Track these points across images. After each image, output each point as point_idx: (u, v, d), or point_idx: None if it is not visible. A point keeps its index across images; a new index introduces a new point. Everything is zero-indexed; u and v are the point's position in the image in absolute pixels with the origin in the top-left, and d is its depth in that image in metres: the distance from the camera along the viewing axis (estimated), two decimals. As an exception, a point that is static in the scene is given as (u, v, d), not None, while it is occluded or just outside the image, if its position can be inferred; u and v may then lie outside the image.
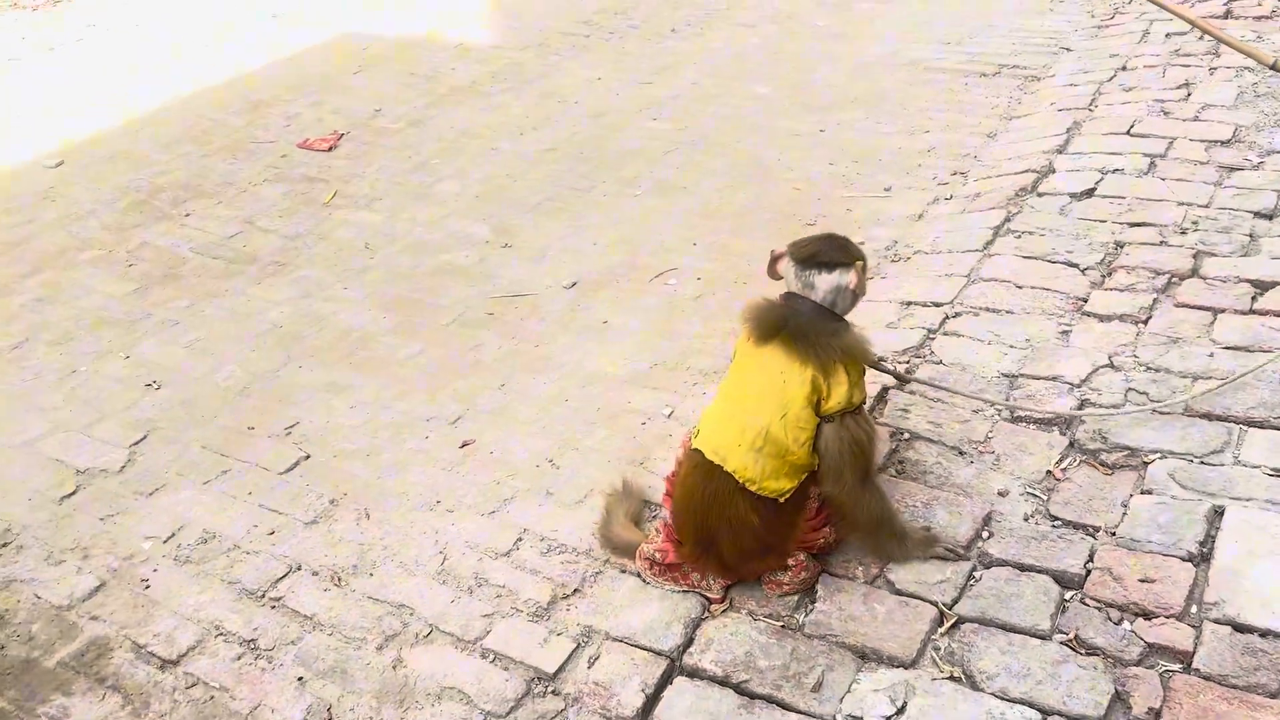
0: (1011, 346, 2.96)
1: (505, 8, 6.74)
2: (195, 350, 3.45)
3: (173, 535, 2.68)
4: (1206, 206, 3.48)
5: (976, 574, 2.25)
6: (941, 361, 2.95)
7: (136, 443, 3.03)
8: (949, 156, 4.31)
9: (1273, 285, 3.00)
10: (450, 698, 2.18)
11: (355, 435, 2.99)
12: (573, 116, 5.04)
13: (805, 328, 2.18)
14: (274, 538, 2.64)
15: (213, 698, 2.22)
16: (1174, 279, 3.13)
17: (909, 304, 3.27)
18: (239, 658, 2.31)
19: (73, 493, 2.85)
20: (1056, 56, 5.15)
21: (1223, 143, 3.85)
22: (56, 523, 2.74)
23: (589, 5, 6.66)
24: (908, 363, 2.97)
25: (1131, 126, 4.10)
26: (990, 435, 2.65)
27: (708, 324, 3.35)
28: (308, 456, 2.92)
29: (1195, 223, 3.41)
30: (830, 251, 2.24)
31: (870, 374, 2.38)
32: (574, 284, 3.64)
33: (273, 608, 2.44)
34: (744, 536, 2.21)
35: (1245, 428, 2.50)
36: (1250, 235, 3.28)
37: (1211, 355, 2.77)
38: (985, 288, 3.25)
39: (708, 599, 2.30)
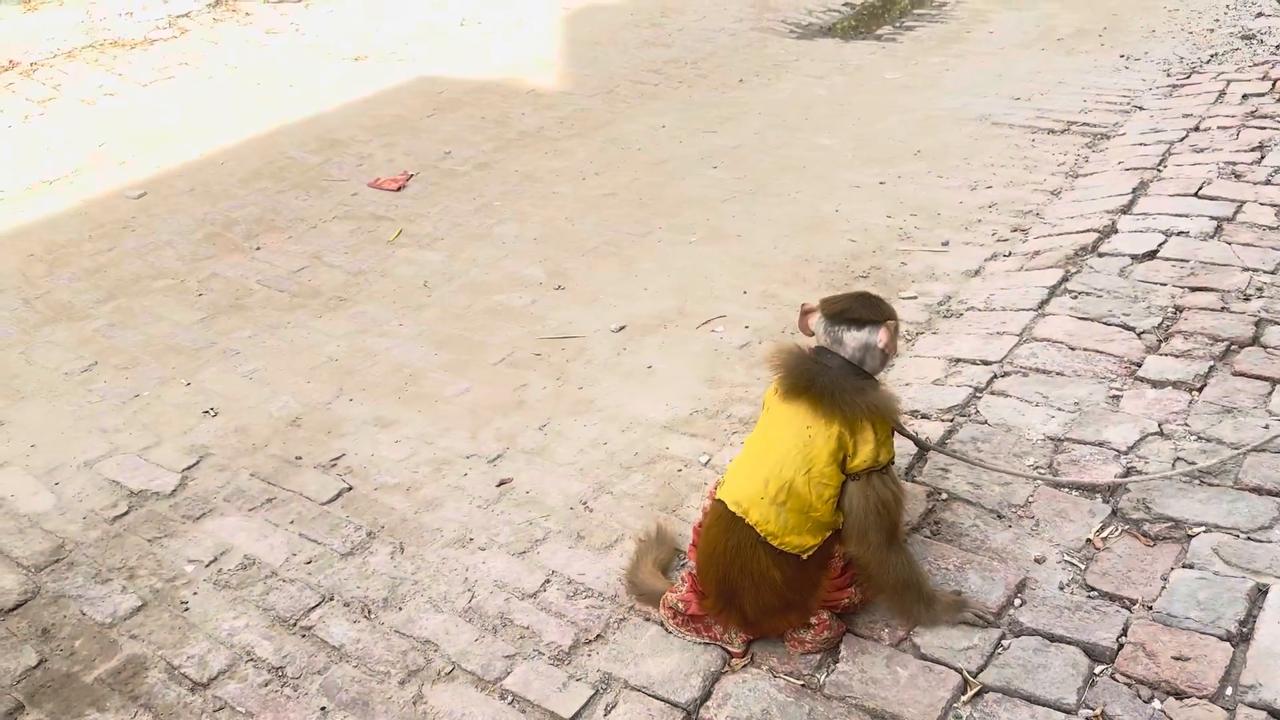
0: (1059, 409, 2.89)
1: (579, 56, 6.89)
2: (254, 380, 3.56)
3: (215, 560, 2.76)
4: (1273, 273, 3.38)
5: (1005, 642, 2.20)
6: (986, 421, 2.90)
7: (189, 468, 3.13)
8: (1010, 213, 4.25)
9: (1336, 358, 2.89)
10: (465, 736, 2.19)
11: (397, 469, 3.05)
12: (635, 163, 5.11)
13: (833, 384, 2.18)
14: (310, 567, 2.70)
15: (236, 722, 2.28)
16: (1233, 346, 3.04)
17: (958, 361, 3.22)
18: (266, 684, 2.36)
19: (125, 513, 2.95)
20: (1128, 115, 5.07)
21: (1295, 207, 3.75)
22: (107, 542, 2.85)
23: (660, 55, 6.77)
24: (951, 420, 2.93)
25: (1200, 188, 4.01)
26: (1031, 500, 2.59)
27: (751, 372, 3.35)
28: (350, 488, 2.99)
29: (1260, 289, 3.31)
30: (860, 309, 2.23)
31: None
32: (622, 328, 3.68)
33: (303, 636, 2.49)
34: (765, 592, 2.19)
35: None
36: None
37: (1267, 426, 2.68)
38: (1037, 348, 3.20)
39: (729, 652, 2.29)
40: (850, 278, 3.84)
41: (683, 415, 3.18)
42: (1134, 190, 4.13)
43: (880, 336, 2.20)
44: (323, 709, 2.29)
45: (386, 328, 3.83)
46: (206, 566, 2.73)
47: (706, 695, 2.20)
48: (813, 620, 2.23)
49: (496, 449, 3.10)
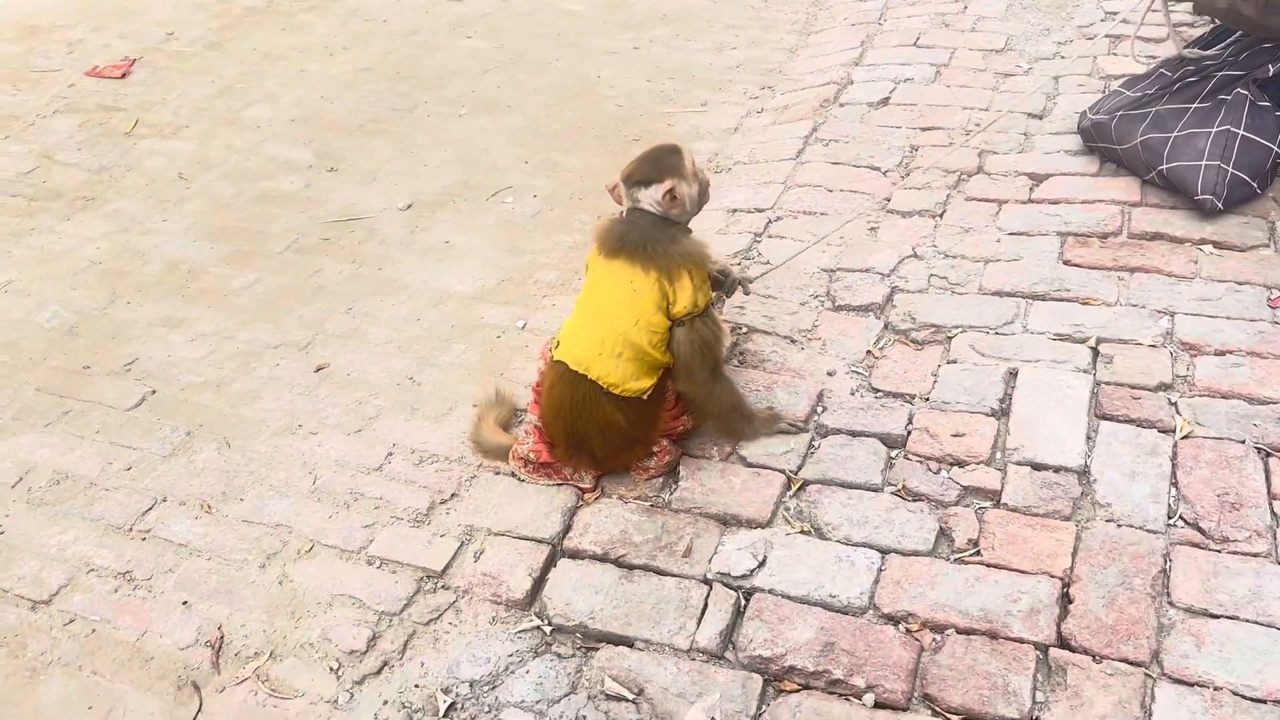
0: (829, 245, 3.24)
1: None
2: (11, 293, 3.26)
3: (20, 480, 2.59)
4: (986, 110, 3.87)
5: (815, 443, 2.53)
6: (769, 262, 3.20)
7: (-39, 391, 2.87)
8: (757, 72, 4.54)
9: (1046, 177, 3.40)
10: (342, 604, 2.26)
11: (200, 367, 2.95)
12: (383, 35, 4.94)
13: (644, 238, 2.37)
14: (132, 473, 2.60)
15: (94, 630, 2.22)
16: (963, 176, 3.49)
17: (735, 211, 3.49)
18: (116, 590, 2.30)
19: (-105, 447, 2.69)
20: (847, -27, 5.47)
21: (997, 51, 4.27)
22: (-117, 479, 2.59)
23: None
24: (739, 263, 3.20)
25: (918, 39, 4.46)
26: (816, 323, 2.92)
27: (549, 239, 3.46)
28: (153, 391, 2.86)
29: (978, 124, 3.79)
30: (645, 169, 2.42)
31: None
32: (409, 205, 3.66)
33: (143, 540, 2.42)
34: (612, 435, 2.40)
35: (1030, 301, 2.88)
36: (1025, 134, 3.69)
37: (999, 241, 3.15)
38: (801, 193, 3.52)
39: (581, 489, 2.48)
40: (624, 142, 4.00)
41: (490, 285, 3.26)
42: (861, 44, 4.52)
43: (661, 189, 2.37)
44: (185, 603, 2.27)
45: (149, 224, 3.59)
46: (13, 488, 2.57)
47: (568, 528, 2.39)
48: (654, 449, 2.46)
49: (304, 337, 3.06)
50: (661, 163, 2.44)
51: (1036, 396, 2.54)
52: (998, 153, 3.59)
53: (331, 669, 2.13)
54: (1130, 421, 2.44)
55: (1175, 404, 2.46)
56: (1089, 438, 2.41)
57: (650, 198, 2.40)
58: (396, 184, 3.78)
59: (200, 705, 2.08)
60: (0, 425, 2.75)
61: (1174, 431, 2.39)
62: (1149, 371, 2.55)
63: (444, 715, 2.03)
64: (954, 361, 2.72)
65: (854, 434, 2.53)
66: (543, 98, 4.35)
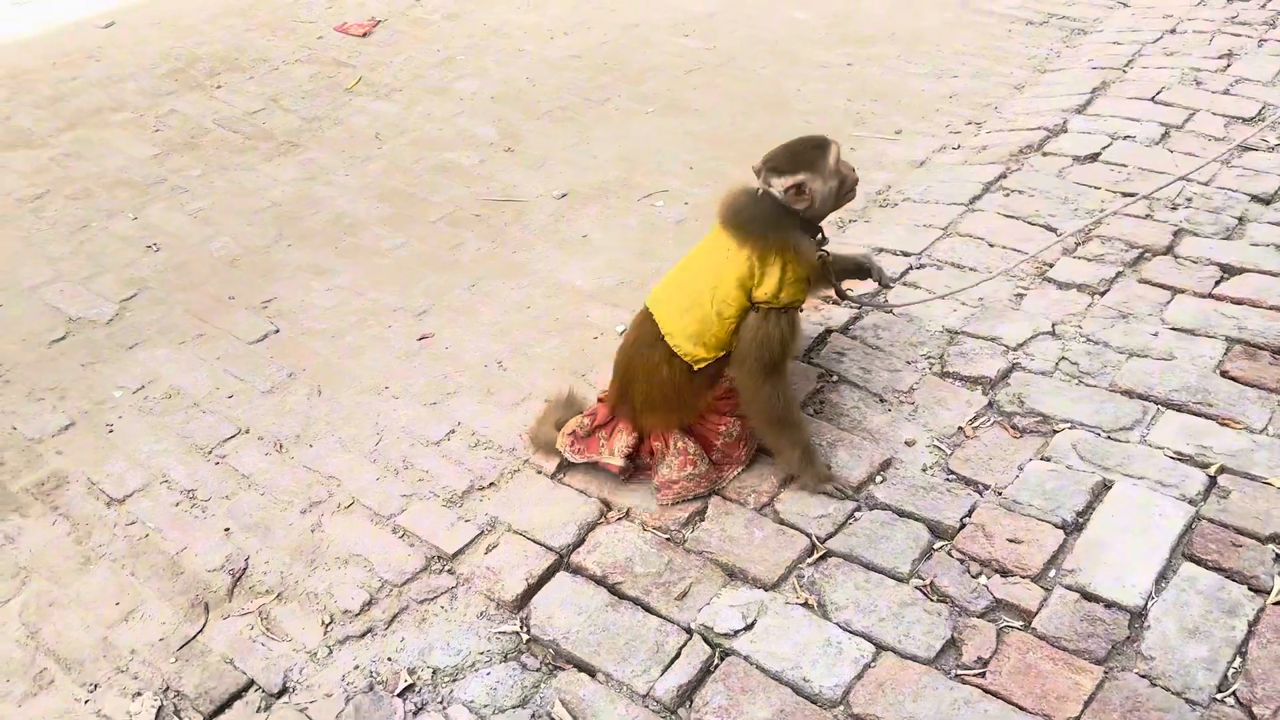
0: (963, 303, 2.99)
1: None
2: (198, 218, 3.64)
3: (142, 388, 2.90)
4: (1206, 184, 3.42)
5: (858, 514, 2.35)
6: (893, 310, 3.00)
7: (127, 299, 3.25)
8: (969, 105, 4.24)
9: (1240, 271, 2.96)
10: (356, 564, 2.37)
11: (325, 316, 3.17)
12: (606, 24, 5.05)
13: (754, 216, 2.36)
14: (231, 401, 2.85)
15: (147, 536, 2.45)
16: (1146, 254, 3.10)
17: (880, 250, 3.29)
18: (177, 504, 2.54)
19: (62, 338, 3.08)
20: (1112, 10, 4.98)
21: (1245, 120, 3.75)
22: (43, 364, 2.99)
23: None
24: (859, 306, 3.02)
25: (1158, 93, 3.99)
26: (914, 387, 2.71)
27: (683, 247, 3.41)
28: (277, 331, 3.11)
29: (1189, 199, 3.35)
30: (782, 157, 2.39)
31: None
32: (564, 195, 3.73)
33: (216, 464, 2.65)
34: (654, 386, 2.39)
35: (1162, 409, 2.53)
36: (1240, 219, 3.22)
37: (1156, 334, 2.78)
38: (957, 242, 3.26)
39: (614, 468, 2.43)
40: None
41: (609, 285, 3.27)
42: (1093, 90, 4.11)
43: (787, 182, 2.34)
44: (226, 530, 2.46)
45: (333, 176, 3.88)
46: (134, 393, 2.88)
47: (580, 542, 2.37)
48: (680, 445, 2.40)
49: (424, 304, 3.21)
50: (801, 156, 2.40)
51: (1121, 517, 2.23)
52: (1198, 235, 3.16)
53: (324, 623, 2.24)
54: (1219, 570, 2.09)
55: (1285, 563, 2.09)
56: (1162, 577, 2.09)
57: (780, 186, 2.37)
58: (561, 172, 3.86)
59: (204, 626, 2.25)
60: (146, 336, 3.09)
61: (1267, 593, 2.02)
62: (1266, 518, 2.17)
63: (399, 694, 2.08)
64: (1047, 459, 2.43)
65: (902, 513, 2.33)
66: (733, 105, 4.28)
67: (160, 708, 2.08)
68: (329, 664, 2.16)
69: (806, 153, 2.40)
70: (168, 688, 2.12)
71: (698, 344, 2.35)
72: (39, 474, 2.63)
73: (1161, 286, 2.96)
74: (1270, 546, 2.13)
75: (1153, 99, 3.97)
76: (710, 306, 2.33)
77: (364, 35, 4.96)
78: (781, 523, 2.35)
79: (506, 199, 3.71)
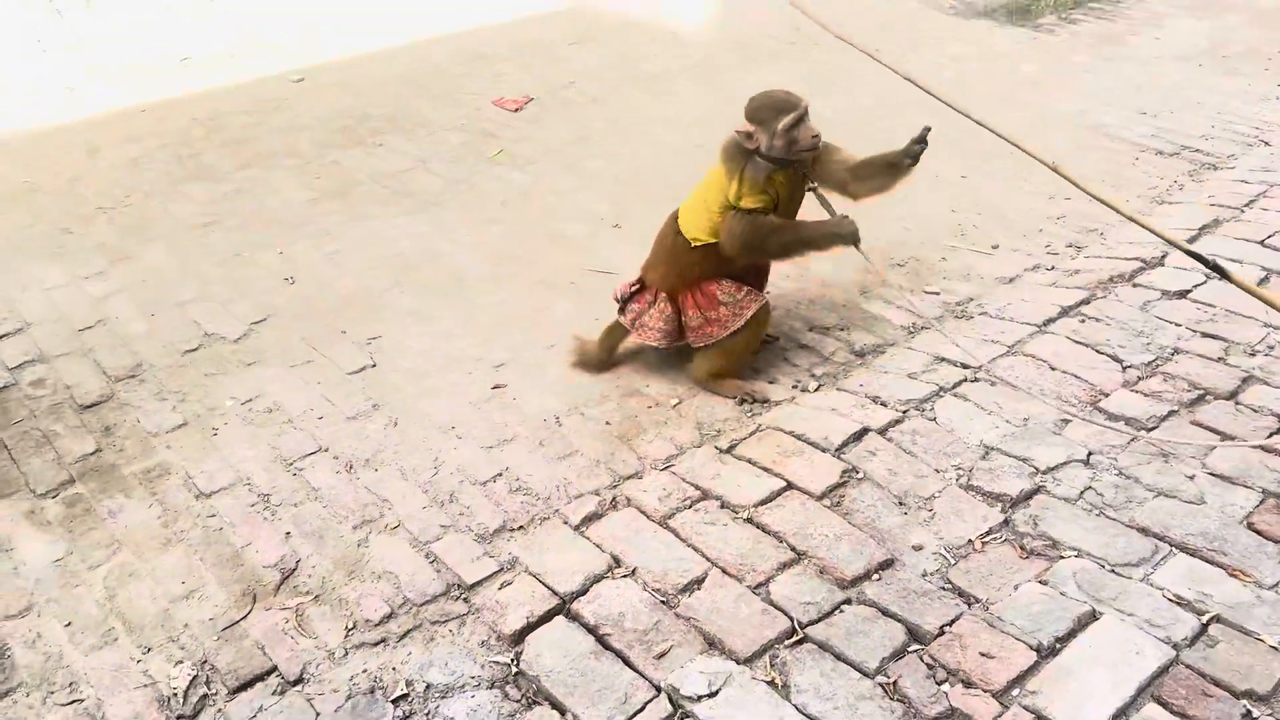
0: (1007, 421, 3.04)
1: (733, 4, 7.06)
2: (331, 259, 4.10)
3: (250, 400, 3.31)
4: (1295, 335, 3.35)
5: (845, 607, 2.45)
6: (935, 418, 3.09)
7: (257, 322, 3.70)
8: (1075, 228, 4.27)
9: (1301, 425, 2.91)
10: (387, 580, 2.65)
11: (416, 357, 3.52)
12: (733, 118, 5.31)
13: (730, 149, 3.25)
14: (320, 422, 3.21)
15: (221, 529, 2.81)
16: (1207, 396, 3.08)
17: (941, 360, 3.38)
18: (252, 505, 2.89)
19: (195, 349, 3.55)
20: (1250, 148, 4.89)
21: (1355, 274, 3.64)
22: (174, 370, 3.45)
23: (804, 17, 6.85)
24: (904, 411, 3.12)
25: (1270, 236, 3.92)
26: (937, 495, 2.79)
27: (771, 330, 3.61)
28: (374, 365, 3.47)
29: (1270, 348, 3.29)
30: (748, 109, 3.19)
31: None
32: (656, 273, 3.99)
33: (294, 475, 3.00)
34: (673, 260, 3.34)
35: (1175, 550, 2.52)
36: (1320, 372, 3.15)
37: (1193, 477, 2.76)
38: (1018, 361, 3.32)
39: (616, 560, 2.64)
40: (885, 262, 4.00)
41: (673, 359, 3.49)
42: (1202, 227, 4.07)
43: (741, 128, 3.18)
44: (287, 533, 2.79)
45: (456, 234, 4.28)
46: (242, 404, 3.29)
47: (583, 591, 2.56)
48: (693, 299, 3.33)
49: (503, 357, 3.51)
50: (760, 111, 3.17)
51: (1099, 649, 2.26)
52: (1268, 384, 3.11)
53: (347, 628, 2.52)
54: (1183, 716, 2.09)
55: (1254, 718, 2.06)
56: (1122, 714, 2.11)
57: (739, 129, 3.19)
58: (659, 251, 4.13)
59: (248, 614, 2.57)
60: (264, 356, 3.51)
61: (1222, 748, 2.01)
62: (1247, 672, 2.16)
63: (392, 700, 2.33)
64: (1045, 582, 2.47)
65: (886, 613, 2.42)
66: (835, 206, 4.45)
67: (195, 677, 2.40)
68: (343, 664, 2.43)
69: (764, 110, 3.16)
70: (205, 660, 2.44)
71: (697, 230, 3.28)
72: (148, 463, 3.05)
73: (1212, 430, 2.94)
74: (1243, 702, 2.11)
75: (1262, 242, 3.90)
76: (707, 205, 3.26)
77: (516, 110, 5.42)
78: (770, 602, 2.48)
79: (602, 271, 4.00)
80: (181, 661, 2.44)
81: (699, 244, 3.28)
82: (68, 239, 4.25)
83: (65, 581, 2.67)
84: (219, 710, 2.33)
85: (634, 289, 3.41)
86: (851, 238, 3.25)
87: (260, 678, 2.41)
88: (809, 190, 3.34)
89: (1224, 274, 2.44)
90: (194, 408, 3.28)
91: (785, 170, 3.23)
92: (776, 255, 3.38)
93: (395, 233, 4.31)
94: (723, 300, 3.30)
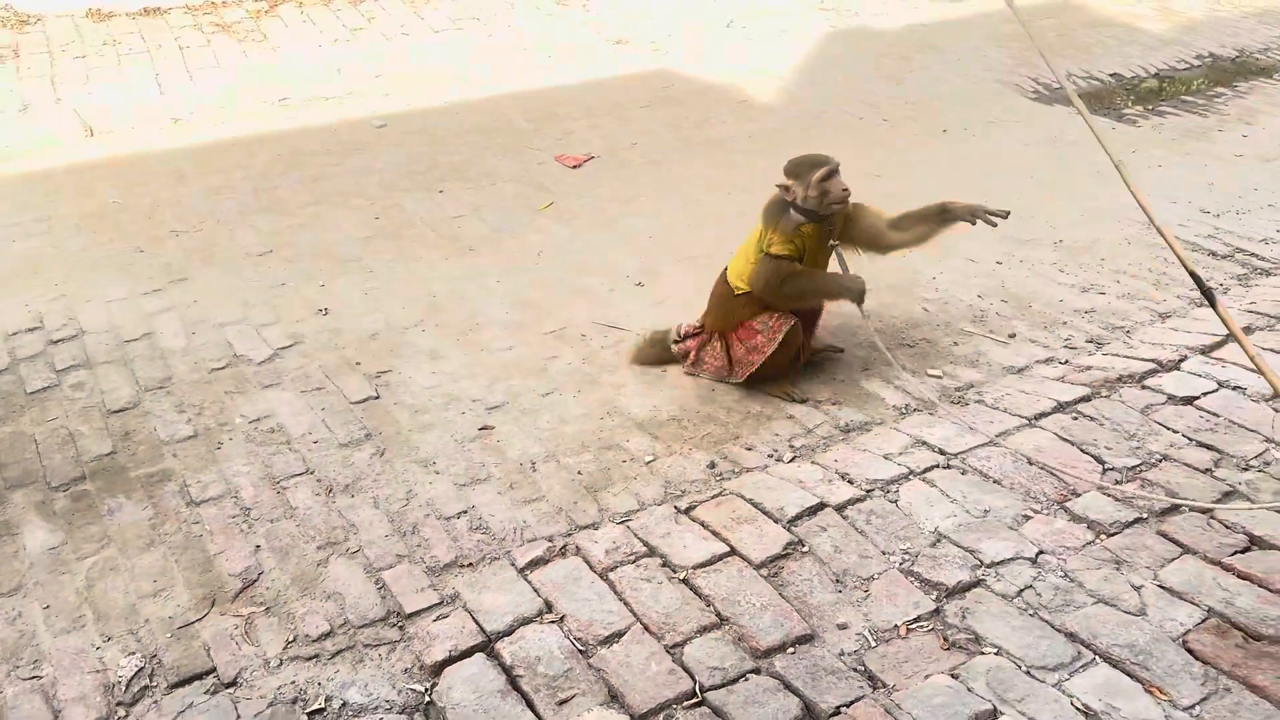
0: (966, 511, 3.03)
1: (807, 75, 7.19)
2: (367, 296, 4.37)
3: (258, 420, 3.56)
4: (1289, 448, 3.23)
5: (751, 675, 2.49)
6: (897, 501, 3.09)
7: (283, 348, 3.97)
8: (1101, 324, 4.19)
9: (1271, 547, 2.80)
10: (335, 600, 2.81)
11: (419, 394, 3.71)
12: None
13: (769, 203, 3.65)
14: (315, 446, 3.43)
15: (200, 536, 3.04)
16: (1183, 508, 2.99)
17: (921, 443, 3.38)
18: (233, 517, 3.11)
19: (222, 368, 3.84)
20: (1311, 257, 4.70)
21: (1382, 395, 3.47)
22: (198, 385, 3.74)
23: (884, 90, 6.92)
24: (868, 491, 3.13)
25: (1300, 350, 3.78)
26: (875, 577, 2.80)
27: (720, 402, 3.68)
28: (378, 397, 3.69)
29: (1266, 465, 3.18)
30: (789, 165, 3.61)
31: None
32: (666, 332, 4.10)
33: (278, 493, 3.22)
34: (720, 302, 3.80)
35: (1098, 660, 2.47)
36: (1314, 493, 3.02)
37: (1140, 588, 2.69)
38: (997, 453, 3.29)
39: (549, 605, 2.74)
40: (894, 342, 4.02)
41: (661, 418, 3.59)
42: (1228, 335, 3.94)
43: (780, 190, 3.61)
44: (257, 547, 3.00)
45: (487, 281, 4.50)
46: (250, 422, 3.54)
47: (509, 632, 2.67)
48: (723, 340, 3.78)
49: (500, 400, 3.68)
50: (797, 167, 3.58)
51: (985, 749, 2.23)
52: (1251, 500, 3.00)
53: (287, 640, 2.69)
54: (1048, 828, 2.05)
55: (1123, 842, 2.01)
56: (989, 817, 2.08)
57: (779, 183, 3.61)
58: (675, 312, 4.24)
59: (204, 616, 2.77)
60: (281, 380, 3.77)
61: None
62: (1126, 793, 2.10)
63: (308, 714, 2.48)
64: (956, 676, 2.46)
65: (789, 687, 2.45)
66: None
67: (141, 669, 2.60)
68: (275, 673, 2.60)
69: (800, 165, 3.56)
70: (155, 655, 2.64)
71: (739, 280, 3.70)
72: (153, 468, 3.32)
73: (1176, 543, 2.85)
74: (1117, 821, 2.06)
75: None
76: (745, 254, 3.69)
77: (575, 167, 5.65)
78: (680, 663, 2.54)
79: (614, 326, 4.14)
80: (134, 653, 2.65)
81: (740, 291, 3.70)
82: (138, 257, 4.65)
83: (54, 568, 2.93)
84: (155, 702, 2.53)
85: (695, 330, 3.88)
86: (858, 294, 3.62)
87: (199, 676, 2.59)
88: (831, 247, 3.68)
89: (1212, 301, 2.62)
90: (206, 421, 3.54)
91: (815, 224, 3.59)
92: (793, 298, 3.67)
93: (432, 274, 4.55)
94: (758, 329, 3.71)
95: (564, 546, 2.98)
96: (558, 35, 7.87)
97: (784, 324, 3.66)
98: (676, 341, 3.89)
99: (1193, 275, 2.63)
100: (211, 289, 4.39)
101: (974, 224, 3.66)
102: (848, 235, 3.73)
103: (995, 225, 3.64)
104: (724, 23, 8.24)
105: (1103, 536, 2.90)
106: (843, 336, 4.11)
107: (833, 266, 3.79)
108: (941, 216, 3.70)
